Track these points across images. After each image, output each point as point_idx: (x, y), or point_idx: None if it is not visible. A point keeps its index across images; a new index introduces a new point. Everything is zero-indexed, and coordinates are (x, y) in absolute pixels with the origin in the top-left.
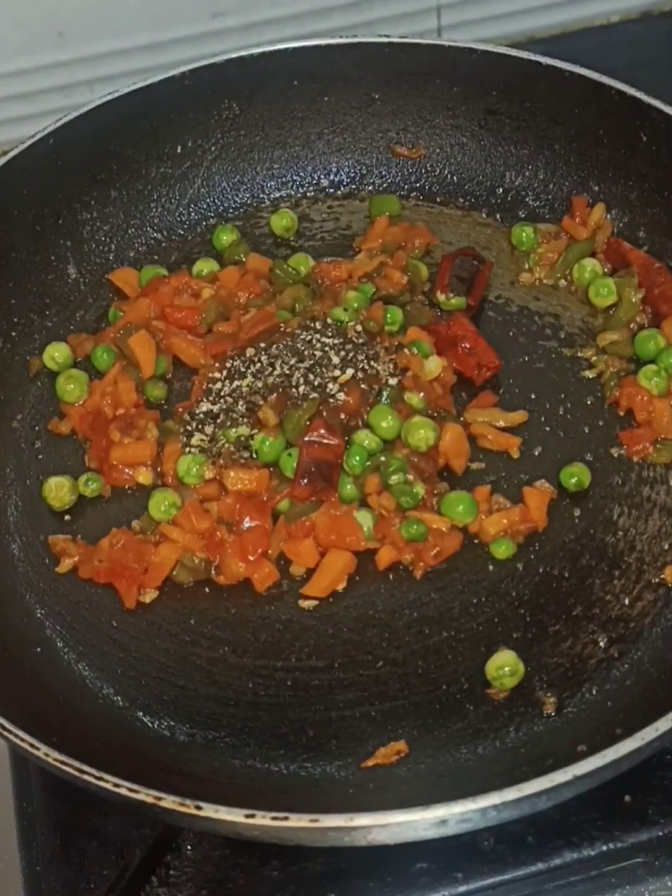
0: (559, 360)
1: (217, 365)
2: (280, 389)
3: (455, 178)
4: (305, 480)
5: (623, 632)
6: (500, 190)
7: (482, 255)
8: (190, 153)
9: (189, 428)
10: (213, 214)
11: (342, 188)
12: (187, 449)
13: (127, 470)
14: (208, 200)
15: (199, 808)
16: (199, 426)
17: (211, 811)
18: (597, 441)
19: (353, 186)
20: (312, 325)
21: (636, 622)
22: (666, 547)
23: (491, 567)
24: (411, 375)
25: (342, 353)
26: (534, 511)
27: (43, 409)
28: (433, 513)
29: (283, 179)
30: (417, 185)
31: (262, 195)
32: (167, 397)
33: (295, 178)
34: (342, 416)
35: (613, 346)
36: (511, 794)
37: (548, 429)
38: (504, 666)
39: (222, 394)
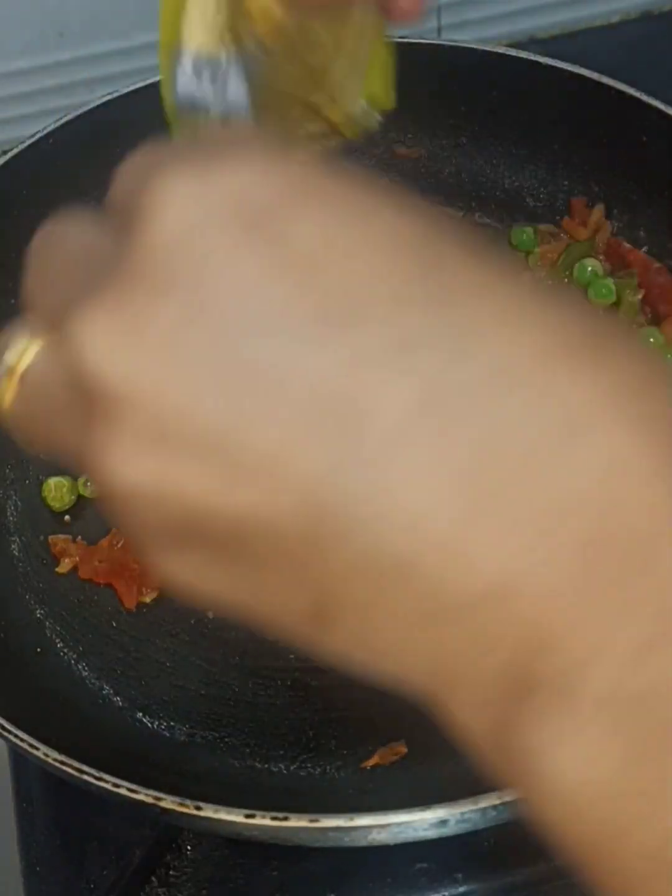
0: None
1: None
2: None
3: (455, 178)
4: None
5: None
6: (500, 190)
7: None
8: None
9: None
10: None
11: None
12: None
13: None
14: None
15: (199, 808)
16: None
17: (211, 811)
18: None
19: None
20: None
21: None
22: None
23: None
24: None
25: None
26: None
27: None
28: None
29: None
30: (417, 185)
31: None
32: None
33: None
34: None
35: None
36: (511, 794)
37: None
38: None
39: None
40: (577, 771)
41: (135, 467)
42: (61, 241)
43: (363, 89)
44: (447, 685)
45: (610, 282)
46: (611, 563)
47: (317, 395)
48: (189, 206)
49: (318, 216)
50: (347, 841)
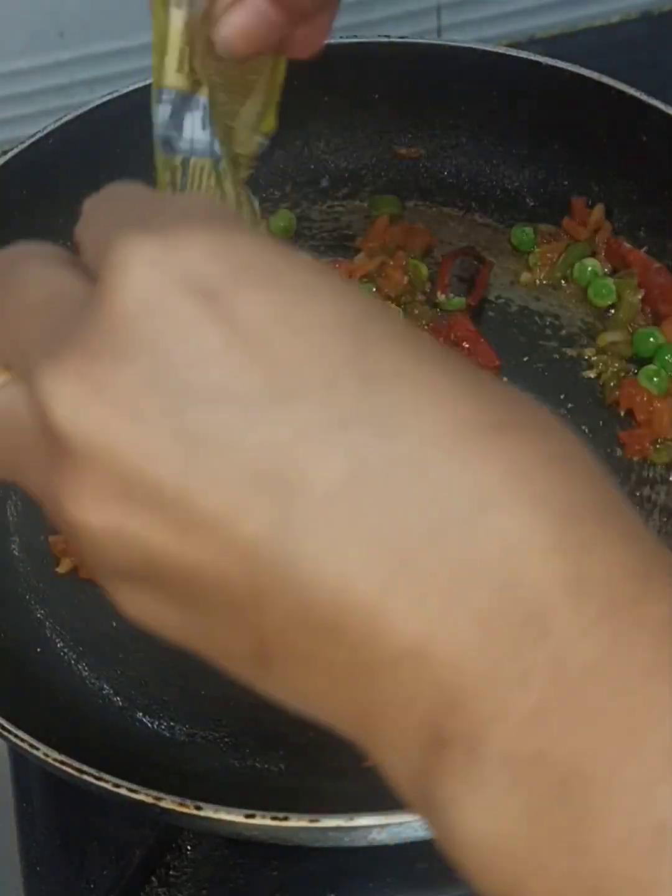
0: (559, 360)
1: None
2: None
3: (455, 178)
4: None
5: None
6: (500, 190)
7: (482, 255)
8: None
9: None
10: None
11: (342, 188)
12: None
13: None
14: None
15: (199, 808)
16: None
17: (211, 811)
18: (597, 441)
19: (353, 186)
20: None
21: None
22: (666, 547)
23: None
24: None
25: None
26: None
27: None
28: None
29: (283, 179)
30: (417, 185)
31: (261, 195)
32: None
33: (295, 178)
34: None
35: (613, 346)
36: None
37: None
38: None
39: None
40: (481, 823)
41: (96, 514)
42: (25, 280)
43: (264, 119)
44: (371, 734)
45: (610, 282)
46: (509, 633)
47: (259, 465)
48: (151, 277)
49: (268, 294)
50: (347, 841)
